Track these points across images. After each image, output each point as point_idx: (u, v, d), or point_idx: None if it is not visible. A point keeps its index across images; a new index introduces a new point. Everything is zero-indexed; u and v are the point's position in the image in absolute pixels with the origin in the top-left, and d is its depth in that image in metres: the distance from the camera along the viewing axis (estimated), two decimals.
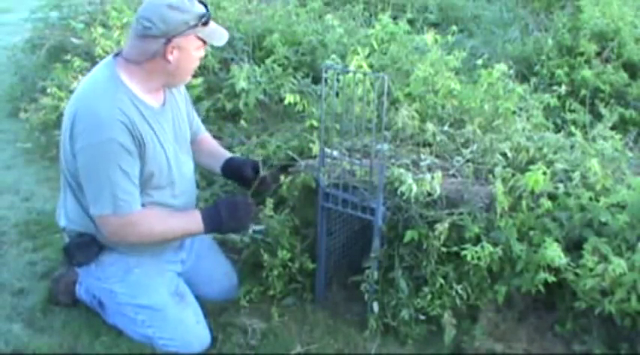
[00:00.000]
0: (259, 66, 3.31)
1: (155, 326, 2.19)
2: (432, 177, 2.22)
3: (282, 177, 2.50)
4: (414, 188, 2.19)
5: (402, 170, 2.25)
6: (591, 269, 2.11)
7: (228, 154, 2.46)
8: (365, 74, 2.30)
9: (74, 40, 4.46)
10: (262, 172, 2.37)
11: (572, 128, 2.85)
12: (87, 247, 2.16)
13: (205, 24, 2.03)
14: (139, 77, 2.05)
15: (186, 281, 2.33)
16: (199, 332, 2.23)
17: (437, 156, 2.54)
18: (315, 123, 2.73)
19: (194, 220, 2.14)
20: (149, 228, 2.08)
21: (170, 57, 2.01)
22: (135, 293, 2.19)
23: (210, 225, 2.14)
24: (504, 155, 2.51)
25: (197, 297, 2.32)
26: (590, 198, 2.29)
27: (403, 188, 2.20)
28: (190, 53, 2.05)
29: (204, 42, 2.07)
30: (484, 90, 2.86)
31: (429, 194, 2.23)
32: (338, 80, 2.59)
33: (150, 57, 2.00)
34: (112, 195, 1.98)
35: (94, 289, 2.32)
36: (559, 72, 3.80)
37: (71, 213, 2.17)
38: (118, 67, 2.04)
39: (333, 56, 3.18)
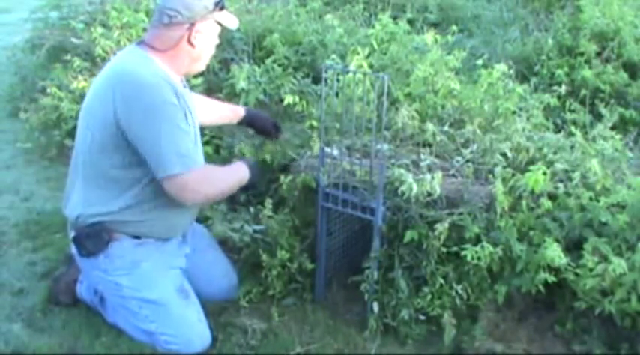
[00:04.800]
0: (259, 66, 3.31)
1: (158, 321, 2.19)
2: (432, 177, 2.22)
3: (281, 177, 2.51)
4: (414, 188, 2.19)
5: (402, 170, 2.25)
6: (591, 270, 2.11)
7: (227, 104, 2.72)
8: (365, 74, 2.30)
9: (74, 40, 4.44)
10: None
11: (572, 128, 2.84)
12: (97, 236, 2.17)
13: (222, 9, 2.19)
14: (167, 62, 2.16)
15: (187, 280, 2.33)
16: (201, 331, 2.24)
17: (437, 156, 2.54)
18: (315, 123, 2.73)
19: (242, 168, 2.29)
20: (216, 179, 2.19)
21: (194, 41, 2.16)
22: (141, 286, 2.20)
23: (253, 175, 2.29)
24: (504, 155, 2.51)
25: (197, 297, 2.31)
26: (590, 198, 2.29)
27: (403, 188, 2.20)
28: (210, 37, 2.21)
29: (220, 26, 2.22)
30: (484, 90, 2.86)
31: (429, 194, 2.23)
32: (338, 80, 2.59)
33: (175, 44, 2.14)
34: (177, 154, 2.03)
35: (97, 283, 2.31)
36: (559, 72, 3.79)
37: (93, 199, 2.17)
38: (146, 52, 2.14)
39: (333, 56, 3.18)
